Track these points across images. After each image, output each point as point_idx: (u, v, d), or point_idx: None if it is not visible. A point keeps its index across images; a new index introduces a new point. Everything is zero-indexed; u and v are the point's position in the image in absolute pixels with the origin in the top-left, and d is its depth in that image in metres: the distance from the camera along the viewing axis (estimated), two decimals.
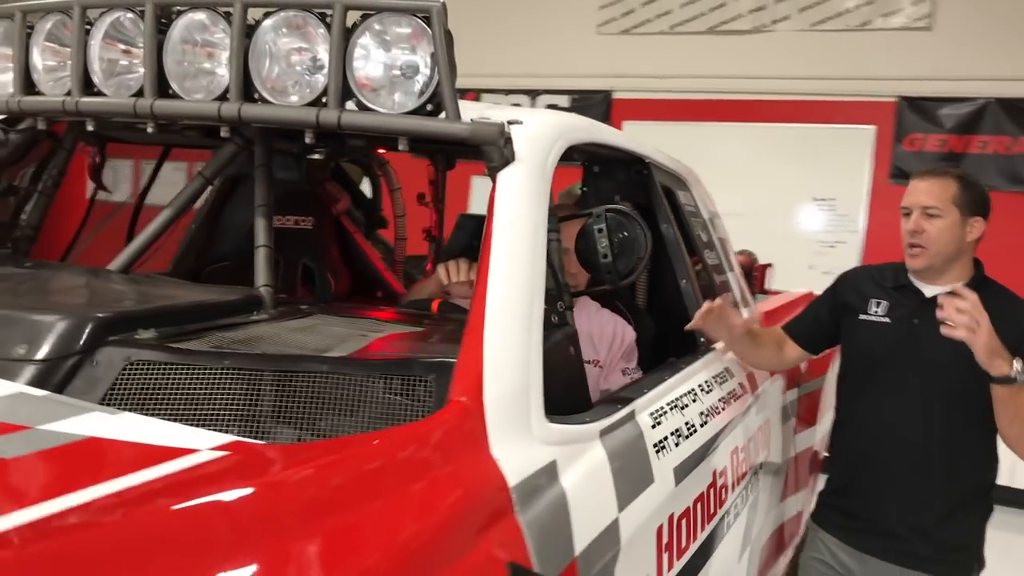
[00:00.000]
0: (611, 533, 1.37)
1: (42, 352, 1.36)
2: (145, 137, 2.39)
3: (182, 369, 1.38)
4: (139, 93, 1.79)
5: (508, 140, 1.64)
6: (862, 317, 2.38)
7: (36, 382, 1.32)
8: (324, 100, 1.67)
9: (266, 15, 1.71)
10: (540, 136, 1.73)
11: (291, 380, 1.37)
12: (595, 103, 7.50)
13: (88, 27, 1.84)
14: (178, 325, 1.55)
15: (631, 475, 1.51)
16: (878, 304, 2.35)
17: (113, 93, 1.84)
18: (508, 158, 1.64)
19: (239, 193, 3.10)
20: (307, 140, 1.76)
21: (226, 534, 0.86)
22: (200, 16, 1.76)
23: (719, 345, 2.45)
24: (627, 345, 2.33)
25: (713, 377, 2.22)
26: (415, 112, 1.63)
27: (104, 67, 1.84)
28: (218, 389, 1.36)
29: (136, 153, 2.93)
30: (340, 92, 1.64)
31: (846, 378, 2.46)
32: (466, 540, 1.04)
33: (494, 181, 1.64)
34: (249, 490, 0.92)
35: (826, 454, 3.59)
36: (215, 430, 1.17)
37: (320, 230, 3.03)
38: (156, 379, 1.37)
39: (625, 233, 1.85)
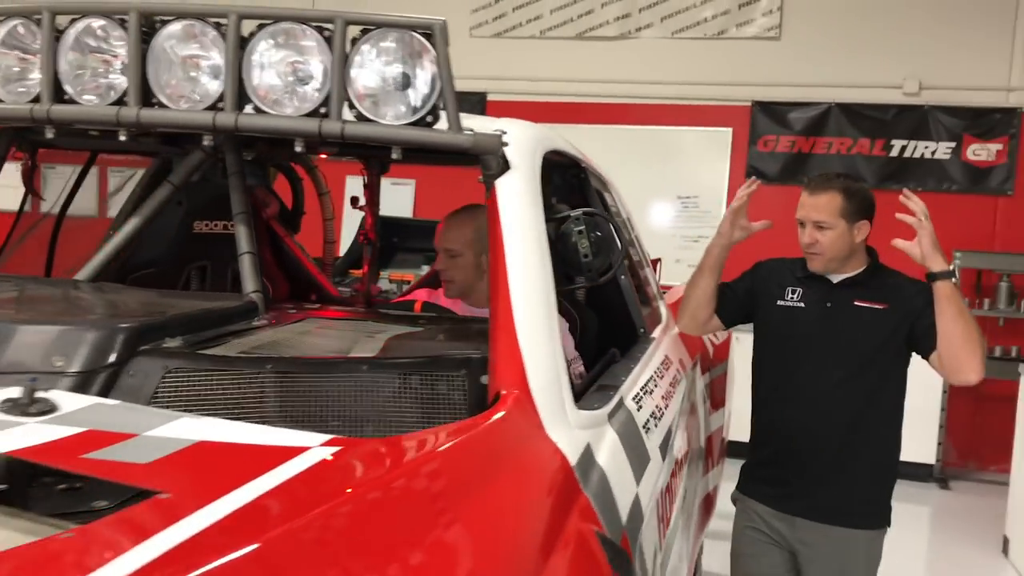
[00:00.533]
0: (637, 506, 1.52)
1: (80, 364, 1.36)
2: (93, 144, 2.34)
3: (224, 375, 1.41)
4: (119, 101, 1.77)
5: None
6: (779, 303, 2.66)
7: (76, 390, 1.32)
8: (323, 111, 1.72)
9: (261, 26, 1.75)
10: (527, 144, 1.86)
11: (334, 380, 1.43)
12: (471, 104, 7.65)
13: (58, 33, 1.81)
14: (193, 332, 1.57)
15: (636, 454, 1.67)
16: (793, 291, 2.64)
17: (87, 101, 1.81)
18: (506, 166, 1.75)
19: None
20: (297, 149, 1.81)
21: (393, 520, 0.94)
22: (181, 26, 1.76)
23: (655, 333, 2.66)
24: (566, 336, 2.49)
25: (660, 364, 2.42)
26: (416, 123, 1.72)
27: (74, 74, 1.81)
28: (263, 392, 1.40)
29: (60, 158, 2.81)
30: (340, 103, 1.71)
31: (764, 360, 2.73)
32: (559, 516, 1.15)
33: (491, 188, 1.75)
34: (393, 480, 1.00)
35: (730, 438, 3.91)
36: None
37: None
38: (198, 386, 1.40)
39: (599, 233, 2.00)
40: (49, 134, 1.93)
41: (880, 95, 7.04)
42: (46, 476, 1.00)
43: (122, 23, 1.78)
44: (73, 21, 1.82)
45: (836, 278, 2.60)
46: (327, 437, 1.14)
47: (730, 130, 7.37)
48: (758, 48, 7.26)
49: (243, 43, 1.74)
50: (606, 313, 2.69)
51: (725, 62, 7.30)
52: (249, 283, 1.90)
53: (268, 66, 1.76)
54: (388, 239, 4.42)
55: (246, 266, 1.93)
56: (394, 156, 1.79)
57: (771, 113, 7.28)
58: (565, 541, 1.11)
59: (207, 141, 1.90)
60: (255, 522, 0.84)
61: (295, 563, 0.79)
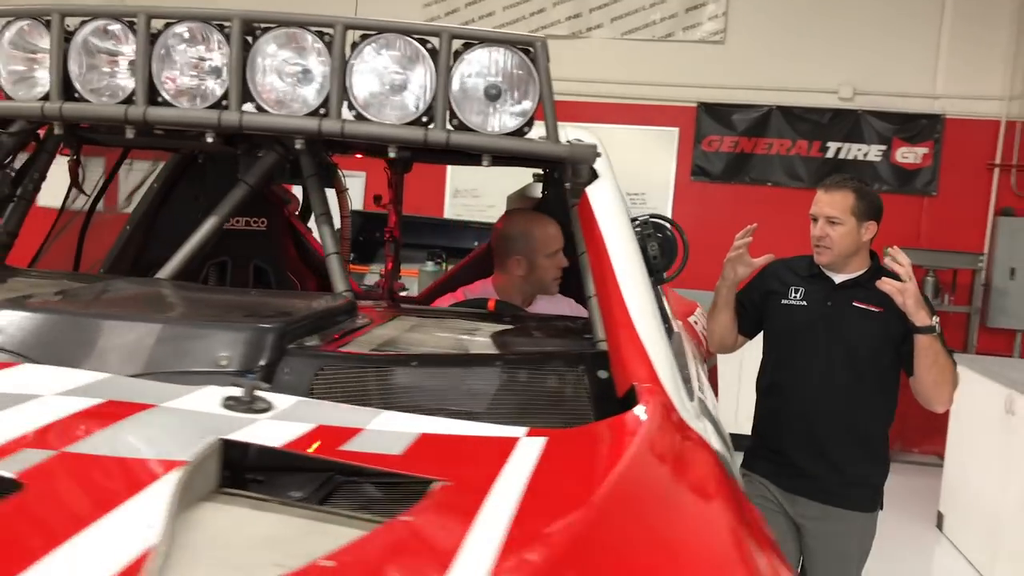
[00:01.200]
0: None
1: (242, 363, 1.43)
2: (131, 141, 2.35)
3: (374, 372, 1.50)
4: (127, 100, 1.81)
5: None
6: (784, 302, 2.87)
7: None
8: (424, 119, 1.82)
9: (365, 37, 1.82)
10: (605, 152, 1.99)
11: (474, 375, 1.54)
12: None
13: (68, 34, 1.84)
14: (320, 331, 1.65)
15: (723, 442, 1.83)
16: (796, 291, 2.86)
17: (97, 99, 1.84)
18: (595, 175, 1.89)
19: (176, 194, 3.06)
20: (392, 154, 1.90)
21: (648, 497, 1.06)
22: (185, 29, 1.81)
23: (675, 327, 2.83)
24: None
25: (691, 355, 2.60)
26: (514, 133, 1.83)
27: (83, 73, 1.85)
28: (412, 387, 1.50)
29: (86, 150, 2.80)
30: (444, 113, 1.80)
31: (769, 353, 2.95)
32: (736, 498, 1.30)
33: (578, 196, 1.89)
34: (622, 464, 1.13)
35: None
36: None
37: (274, 231, 3.05)
38: (349, 383, 1.49)
39: (663, 234, 2.16)
40: (58, 130, 1.96)
41: (817, 99, 7.43)
42: (308, 470, 1.08)
43: (131, 25, 1.82)
44: (83, 23, 1.86)
45: (838, 278, 2.82)
46: (526, 428, 1.26)
47: (677, 130, 7.65)
48: (704, 51, 7.55)
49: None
50: None
51: (672, 64, 7.57)
52: (340, 283, 1.97)
53: (271, 69, 1.81)
54: (373, 233, 4.48)
55: (335, 266, 2.00)
56: (484, 164, 1.90)
57: (715, 114, 7.59)
58: (750, 518, 1.25)
59: (298, 144, 1.95)
60: (560, 501, 0.96)
61: (622, 537, 0.91)
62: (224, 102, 1.80)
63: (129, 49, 1.85)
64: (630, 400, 1.50)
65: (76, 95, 1.84)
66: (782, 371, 2.88)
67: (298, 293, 2.02)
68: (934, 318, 2.57)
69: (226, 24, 1.80)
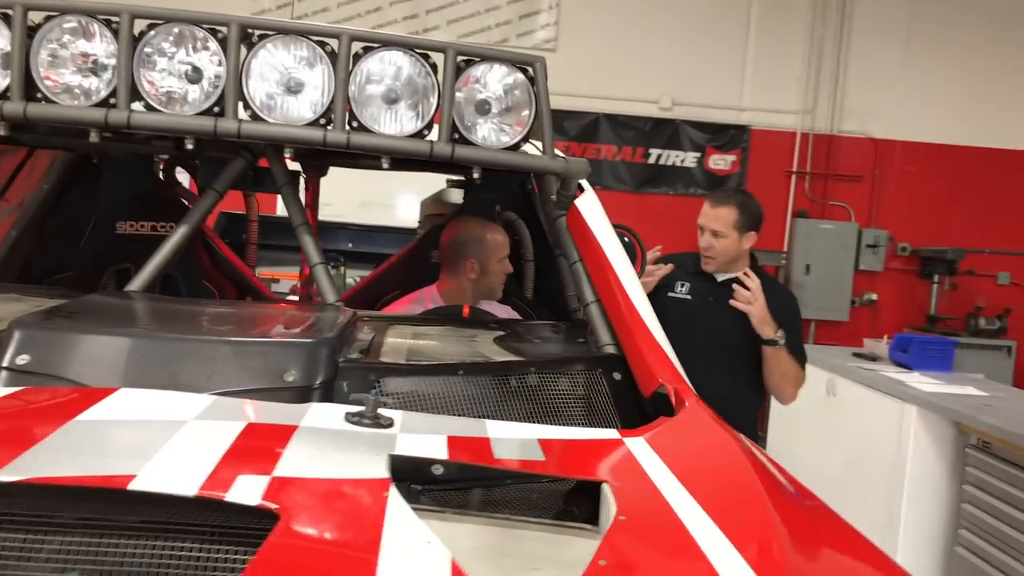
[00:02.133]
0: None
1: (308, 378, 1.43)
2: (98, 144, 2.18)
3: (426, 382, 1.54)
4: (104, 103, 1.73)
5: None
6: (671, 295, 3.17)
7: (303, 402, 1.40)
8: (426, 134, 1.86)
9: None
10: None
11: (517, 381, 1.61)
12: None
13: (31, 31, 1.75)
14: (348, 344, 1.66)
15: None
16: (682, 285, 3.16)
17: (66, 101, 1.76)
18: (582, 188, 2.01)
19: (69, 197, 2.85)
20: (385, 166, 1.92)
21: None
22: (71, 22, 1.75)
23: None
24: None
25: None
26: (512, 148, 1.92)
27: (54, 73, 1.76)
28: (462, 395, 1.55)
29: None
30: (451, 128, 1.85)
31: None
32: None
33: (567, 208, 2.00)
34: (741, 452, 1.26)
35: None
36: None
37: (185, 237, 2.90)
38: (403, 393, 1.52)
39: (624, 240, 2.31)
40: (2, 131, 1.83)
41: (640, 108, 7.93)
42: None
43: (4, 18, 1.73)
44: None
45: (720, 277, 3.15)
46: (613, 429, 1.36)
47: None
48: None
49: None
50: (552, 310, 2.99)
51: None
52: (330, 294, 1.96)
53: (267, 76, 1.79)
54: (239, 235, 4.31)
55: (322, 277, 1.99)
56: (475, 175, 1.97)
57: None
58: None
59: (188, 144, 1.84)
60: (724, 488, 1.08)
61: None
62: (112, 100, 1.72)
63: (3, 42, 1.73)
64: (659, 399, 1.64)
65: (39, 95, 1.73)
66: None
67: (299, 305, 1.97)
68: (778, 332, 2.93)
69: (114, 19, 1.73)
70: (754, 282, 2.98)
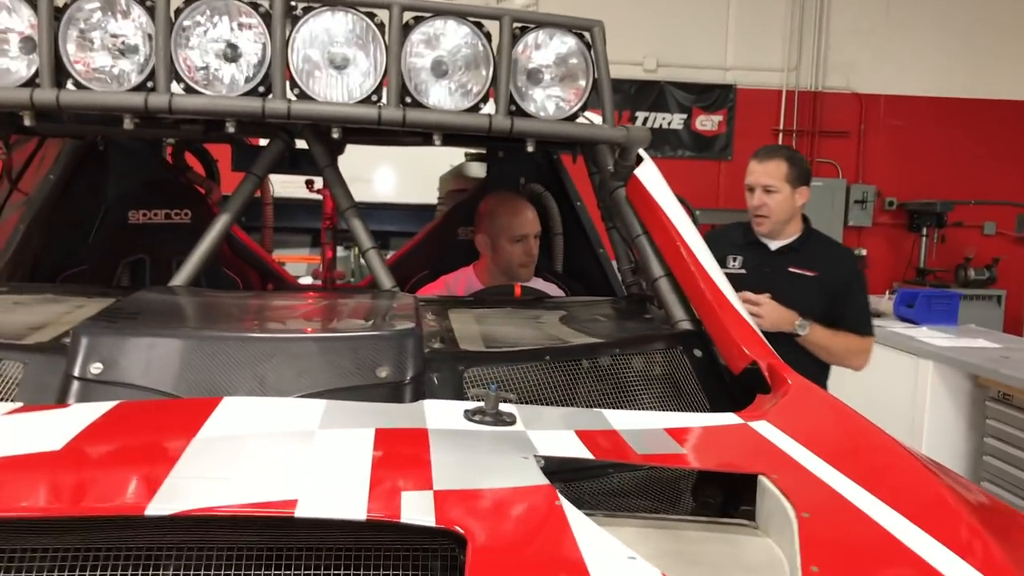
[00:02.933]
0: None
1: (399, 373, 1.35)
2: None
3: (514, 369, 1.46)
4: (141, 87, 1.62)
5: None
6: (723, 271, 3.00)
7: (396, 400, 1.32)
8: (482, 108, 1.77)
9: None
10: None
11: (601, 364, 1.54)
12: None
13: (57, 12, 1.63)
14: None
15: None
16: (735, 259, 3.00)
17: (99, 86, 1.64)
18: (641, 157, 1.93)
19: (77, 187, 2.72)
20: (436, 142, 1.83)
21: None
22: (217, 6, 1.66)
23: None
24: None
25: None
26: (569, 119, 1.83)
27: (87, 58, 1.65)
28: (551, 380, 1.48)
29: None
30: (508, 100, 1.76)
31: None
32: None
33: (626, 180, 1.92)
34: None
35: None
36: None
37: (200, 223, 2.77)
38: (492, 380, 1.44)
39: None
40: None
41: (625, 71, 7.82)
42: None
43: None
44: None
45: (774, 245, 2.96)
46: (728, 414, 1.30)
47: None
48: None
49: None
50: (582, 284, 2.92)
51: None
52: (386, 279, 1.87)
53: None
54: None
55: (375, 262, 1.89)
56: (530, 148, 1.87)
57: None
58: None
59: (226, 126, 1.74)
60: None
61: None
62: (149, 83, 1.61)
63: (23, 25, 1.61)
64: (754, 376, 1.57)
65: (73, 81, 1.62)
66: None
67: (360, 292, 1.88)
68: (797, 322, 2.73)
69: None
70: (750, 296, 2.68)
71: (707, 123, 8.00)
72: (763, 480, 1.00)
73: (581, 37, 1.81)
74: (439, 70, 1.75)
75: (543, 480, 0.90)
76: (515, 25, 1.76)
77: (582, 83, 1.83)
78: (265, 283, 2.87)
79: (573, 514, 0.83)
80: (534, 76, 1.80)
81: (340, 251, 3.61)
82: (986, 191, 7.98)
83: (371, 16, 1.70)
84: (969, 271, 7.68)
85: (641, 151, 1.98)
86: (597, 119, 2.06)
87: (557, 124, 1.80)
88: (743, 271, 2.98)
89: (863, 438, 1.23)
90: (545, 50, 1.81)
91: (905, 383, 4.38)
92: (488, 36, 1.77)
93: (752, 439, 1.15)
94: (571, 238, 2.92)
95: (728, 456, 1.12)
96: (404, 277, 2.87)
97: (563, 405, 1.42)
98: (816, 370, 2.94)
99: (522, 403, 1.38)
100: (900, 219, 8.13)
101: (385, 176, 7.43)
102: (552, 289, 2.53)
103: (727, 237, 3.09)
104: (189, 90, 1.65)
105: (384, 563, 0.77)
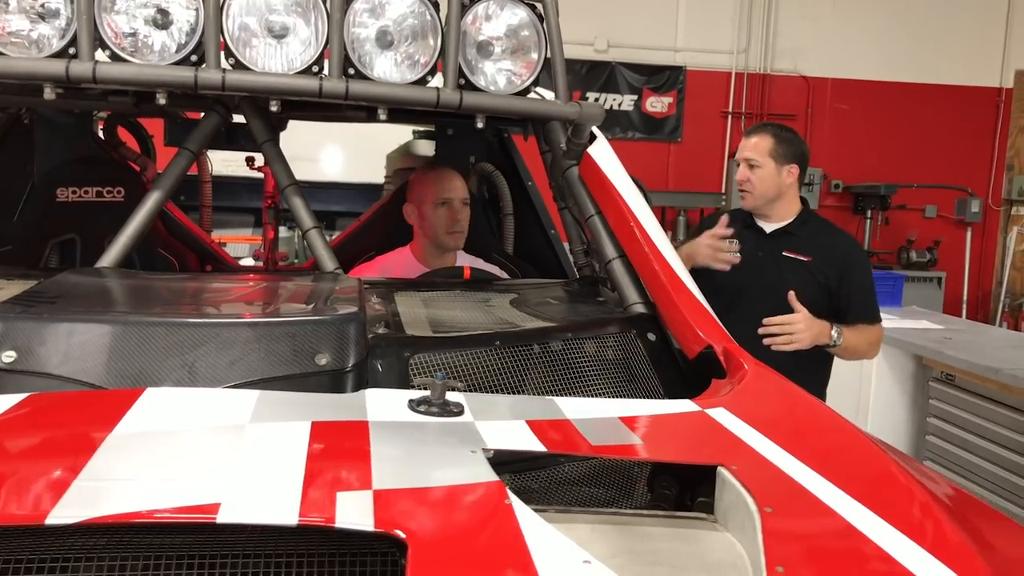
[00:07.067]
0: None
1: (340, 360, 1.28)
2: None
3: (460, 355, 1.40)
4: (62, 53, 1.52)
5: None
6: None
7: (336, 389, 1.25)
8: (429, 79, 1.69)
9: None
10: None
11: (553, 349, 1.49)
12: None
13: None
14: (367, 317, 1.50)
15: None
16: (731, 243, 2.92)
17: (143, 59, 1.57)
18: (594, 135, 1.87)
19: (0, 162, 2.58)
20: (382, 116, 1.75)
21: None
22: None
23: None
24: None
25: None
26: (521, 94, 1.77)
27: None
28: (501, 366, 1.42)
29: None
30: (456, 74, 1.69)
31: (712, 306, 2.95)
32: None
33: (579, 158, 1.86)
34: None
35: None
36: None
37: (134, 202, 2.64)
38: (439, 367, 1.38)
39: None
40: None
41: (575, 51, 7.74)
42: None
43: None
44: None
45: (768, 228, 2.86)
46: (685, 400, 1.26)
47: None
48: None
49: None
50: (534, 265, 2.86)
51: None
52: (329, 261, 1.79)
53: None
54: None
55: (318, 242, 1.81)
56: (480, 125, 1.81)
57: None
58: None
59: (274, 106, 1.71)
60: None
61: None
62: (71, 50, 1.50)
63: None
64: (709, 360, 1.53)
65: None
66: (722, 320, 2.89)
67: (302, 274, 1.79)
68: (832, 332, 2.64)
69: None
70: (776, 321, 2.60)
71: (657, 104, 7.99)
72: (723, 472, 0.95)
73: (533, 8, 1.74)
74: (384, 40, 1.67)
75: (492, 476, 0.84)
76: None
77: (534, 56, 1.77)
78: (203, 265, 2.76)
79: (524, 513, 0.77)
80: (484, 48, 1.73)
81: (284, 231, 3.50)
82: (928, 175, 8.12)
83: None
84: (911, 253, 7.81)
85: (595, 129, 1.92)
86: (550, 96, 2.00)
87: (508, 99, 1.74)
88: (737, 255, 2.89)
89: (822, 424, 1.19)
90: (496, 21, 1.74)
91: (850, 364, 4.41)
92: (436, 6, 1.69)
93: (709, 427, 1.11)
94: (522, 219, 2.86)
95: (685, 445, 1.07)
96: (350, 258, 2.77)
97: (514, 392, 1.36)
98: (813, 359, 2.79)
99: (471, 391, 1.32)
100: (846, 202, 8.22)
101: (332, 155, 7.25)
102: (499, 272, 2.47)
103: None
104: (115, 58, 1.55)
105: (319, 570, 0.71)
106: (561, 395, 1.39)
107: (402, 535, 0.70)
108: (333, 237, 3.05)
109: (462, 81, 1.70)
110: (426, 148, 3.10)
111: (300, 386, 1.19)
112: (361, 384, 1.26)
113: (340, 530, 0.71)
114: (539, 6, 1.73)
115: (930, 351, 3.95)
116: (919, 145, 8.15)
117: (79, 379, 1.11)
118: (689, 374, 1.58)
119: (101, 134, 2.78)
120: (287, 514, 0.71)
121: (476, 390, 1.34)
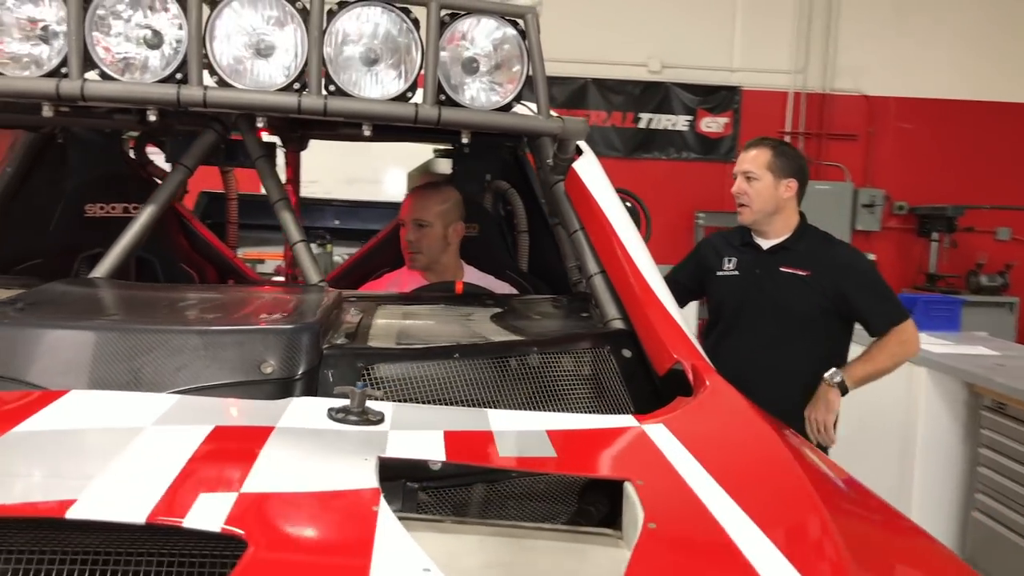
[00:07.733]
0: None
1: (288, 368, 1.29)
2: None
3: (418, 367, 1.39)
4: (55, 72, 1.58)
5: None
6: (719, 273, 2.87)
7: (283, 396, 1.26)
8: (409, 96, 1.71)
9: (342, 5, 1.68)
10: None
11: (518, 363, 1.47)
12: None
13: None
14: (334, 328, 1.51)
15: None
16: (729, 261, 2.86)
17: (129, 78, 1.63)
18: (580, 150, 1.86)
19: (35, 179, 2.69)
20: (366, 132, 1.77)
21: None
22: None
23: None
24: None
25: None
26: (503, 109, 1.77)
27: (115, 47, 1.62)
28: (459, 379, 1.40)
29: None
30: (436, 89, 1.70)
31: (713, 323, 2.96)
32: None
33: (565, 173, 1.85)
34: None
35: None
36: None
37: (159, 219, 2.74)
38: (395, 380, 1.38)
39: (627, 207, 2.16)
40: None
41: (629, 72, 7.74)
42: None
43: None
44: None
45: (766, 244, 2.82)
46: (628, 416, 1.23)
47: None
48: None
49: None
50: (548, 282, 2.84)
51: None
52: (313, 274, 1.82)
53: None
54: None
55: (304, 255, 1.84)
56: (464, 140, 1.81)
57: None
58: None
59: (260, 122, 1.76)
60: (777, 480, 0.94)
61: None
62: (64, 69, 1.57)
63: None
64: (678, 377, 1.50)
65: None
66: (723, 339, 2.88)
67: (278, 287, 1.83)
68: (833, 378, 2.70)
69: None
70: (812, 417, 2.71)
71: (712, 125, 7.90)
72: (627, 487, 0.93)
73: (515, 25, 1.74)
74: (366, 58, 1.70)
75: (371, 483, 0.83)
76: (443, 12, 1.69)
77: (516, 71, 1.76)
78: (224, 279, 2.83)
79: (386, 520, 0.76)
80: (466, 65, 1.74)
81: (314, 248, 3.58)
82: (999, 195, 7.80)
83: (293, 1, 1.65)
84: (981, 277, 7.50)
85: (582, 144, 1.91)
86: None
87: (488, 115, 1.74)
88: (736, 272, 2.87)
89: (756, 448, 1.15)
90: (478, 38, 1.74)
91: (899, 391, 4.25)
92: (416, 23, 1.71)
93: (638, 443, 1.08)
94: (537, 236, 2.85)
95: (604, 461, 1.05)
96: (366, 274, 2.81)
97: (473, 405, 1.35)
98: (814, 373, 2.80)
99: (430, 403, 1.32)
100: (910, 224, 7.97)
101: (396, 176, 7.41)
102: (501, 287, 2.46)
103: (725, 239, 2.99)
104: (105, 76, 1.61)
105: (159, 569, 0.71)
106: (523, 409, 1.38)
107: (240, 531, 0.70)
108: (353, 253, 3.09)
109: (443, 97, 1.71)
110: (445, 166, 3.13)
111: (245, 394, 1.20)
112: (311, 393, 1.27)
113: (188, 530, 0.71)
114: (521, 22, 1.73)
115: (980, 378, 3.77)
116: (989, 165, 7.85)
117: (26, 380, 1.15)
118: (663, 391, 1.55)
119: (131, 153, 2.88)
120: (137, 513, 0.72)
121: (433, 402, 1.34)
